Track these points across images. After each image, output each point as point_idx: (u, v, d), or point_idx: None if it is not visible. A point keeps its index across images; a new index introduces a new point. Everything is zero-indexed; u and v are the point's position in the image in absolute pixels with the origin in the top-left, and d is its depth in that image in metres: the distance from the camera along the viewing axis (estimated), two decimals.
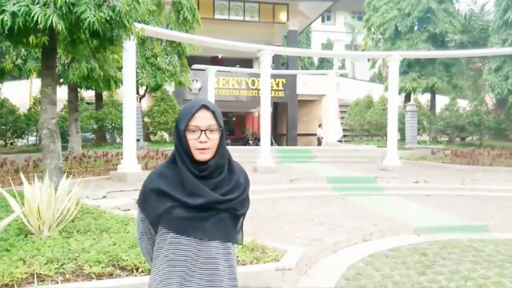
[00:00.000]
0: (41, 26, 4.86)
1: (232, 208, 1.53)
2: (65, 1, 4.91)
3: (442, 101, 20.80)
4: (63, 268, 3.42)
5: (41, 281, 3.22)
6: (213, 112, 1.52)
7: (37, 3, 4.90)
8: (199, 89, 22.51)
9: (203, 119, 1.49)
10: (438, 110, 20.33)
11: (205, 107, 1.51)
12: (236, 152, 15.49)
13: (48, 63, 6.16)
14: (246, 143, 26.88)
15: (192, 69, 17.98)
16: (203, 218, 1.48)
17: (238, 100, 24.21)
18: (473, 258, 4.98)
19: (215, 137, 1.50)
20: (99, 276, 3.35)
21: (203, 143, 1.47)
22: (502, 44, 16.18)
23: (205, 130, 1.48)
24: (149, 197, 1.51)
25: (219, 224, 1.50)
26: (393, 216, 7.13)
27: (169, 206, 1.47)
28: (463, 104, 19.74)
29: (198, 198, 1.46)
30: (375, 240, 5.80)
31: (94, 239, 4.24)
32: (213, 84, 19.09)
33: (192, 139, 1.48)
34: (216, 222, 1.50)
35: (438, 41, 19.59)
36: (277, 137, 26.89)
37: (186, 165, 1.49)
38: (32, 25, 4.92)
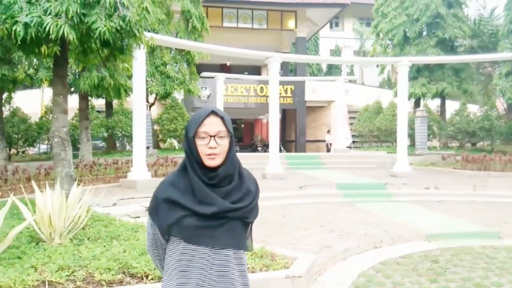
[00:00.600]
0: (52, 36, 4.95)
1: (243, 216, 1.53)
2: (77, 12, 4.99)
3: (452, 106, 20.65)
4: (74, 276, 3.45)
5: None
6: (222, 118, 1.52)
7: (49, 13, 4.98)
8: (208, 97, 22.62)
9: (212, 125, 1.50)
10: (448, 115, 20.17)
11: (214, 113, 1.52)
12: (245, 159, 15.48)
13: (59, 72, 6.25)
14: (254, 150, 26.90)
15: (201, 77, 18.11)
16: (214, 227, 1.48)
17: (247, 107, 24.27)
18: (486, 265, 4.91)
19: (224, 143, 1.50)
20: (110, 284, 3.37)
21: (213, 148, 1.48)
22: None
23: (214, 136, 1.49)
24: (160, 207, 1.51)
25: (231, 232, 1.51)
26: (404, 222, 7.06)
27: (180, 215, 1.47)
28: (473, 109, 19.56)
29: (209, 207, 1.46)
30: (385, 247, 5.75)
31: (104, 246, 4.26)
32: (221, 91, 19.17)
33: (202, 145, 1.48)
34: (227, 230, 1.50)
35: (447, 46, 19.50)
36: (286, 144, 26.88)
37: (196, 173, 1.49)
38: (44, 35, 5.01)
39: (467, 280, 4.37)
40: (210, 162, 1.49)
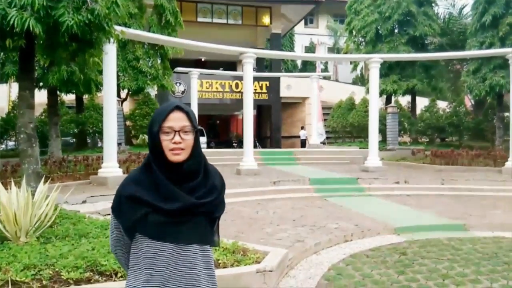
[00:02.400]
0: (17, 29, 4.79)
1: (208, 211, 1.52)
2: (43, 4, 4.84)
3: (422, 102, 21.15)
4: (40, 275, 3.37)
5: None
6: (187, 113, 1.51)
7: (14, 6, 4.82)
8: (183, 92, 22.42)
9: (177, 120, 1.48)
10: (418, 111, 20.66)
11: (179, 108, 1.51)
12: (220, 155, 15.53)
13: (25, 66, 6.07)
14: (230, 145, 26.87)
15: (175, 72, 17.91)
16: (179, 223, 1.47)
17: (222, 103, 24.19)
18: (451, 257, 5.07)
19: (189, 138, 1.49)
20: (77, 282, 3.31)
21: (177, 144, 1.46)
22: (480, 47, 16.52)
23: (179, 131, 1.47)
24: (123, 204, 1.49)
25: (196, 228, 1.50)
26: (374, 216, 7.22)
27: (144, 212, 1.45)
28: (442, 105, 20.10)
29: (174, 202, 1.45)
30: (356, 241, 5.87)
31: (72, 244, 4.18)
32: (196, 87, 19.02)
33: (166, 140, 1.47)
34: (192, 226, 1.49)
35: (418, 43, 19.92)
36: (261, 140, 26.95)
37: (161, 169, 1.48)
38: (8, 28, 4.84)
39: (433, 272, 4.51)
40: (174, 158, 1.47)
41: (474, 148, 15.18)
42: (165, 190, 1.46)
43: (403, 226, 6.54)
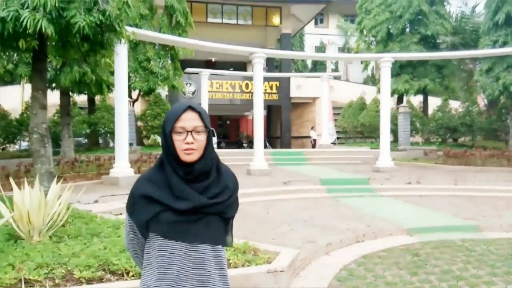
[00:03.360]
0: (30, 30, 4.84)
1: (220, 211, 1.52)
2: (55, 6, 4.90)
3: (434, 102, 20.95)
4: (53, 273, 3.39)
5: (30, 286, 3.19)
6: (199, 113, 1.51)
7: (27, 7, 4.87)
8: (193, 93, 22.50)
9: (189, 120, 1.49)
10: (430, 111, 20.46)
11: (191, 108, 1.51)
12: (230, 155, 15.54)
13: (38, 67, 6.14)
14: (240, 146, 26.89)
15: (185, 73, 17.99)
16: (191, 222, 1.47)
17: (232, 104, 24.21)
18: (465, 258, 5.00)
19: (201, 138, 1.49)
20: (89, 281, 3.32)
21: (189, 144, 1.47)
22: (493, 45, 16.33)
23: (191, 131, 1.48)
24: (137, 203, 1.51)
25: (208, 227, 1.50)
26: (386, 217, 7.14)
27: (157, 211, 1.47)
28: (455, 105, 19.89)
29: (186, 202, 1.46)
30: (367, 241, 5.80)
31: (84, 243, 4.21)
32: (206, 88, 19.07)
33: (178, 140, 1.47)
34: (205, 226, 1.49)
35: (429, 43, 19.75)
36: (271, 140, 26.92)
37: (173, 168, 1.49)
38: (21, 29, 4.90)
39: (446, 273, 4.44)
40: (187, 157, 1.48)
41: (487, 149, 14.98)
42: (177, 189, 1.47)
43: (416, 227, 6.45)
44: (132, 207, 1.53)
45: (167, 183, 1.48)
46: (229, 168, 1.64)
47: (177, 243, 1.47)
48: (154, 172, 1.54)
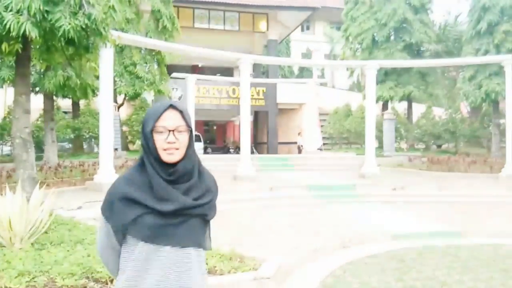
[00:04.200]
0: (14, 34, 4.76)
1: (203, 213, 1.49)
2: (39, 9, 4.82)
3: (418, 109, 21.26)
4: (35, 281, 3.31)
5: None
6: (181, 112, 1.47)
7: (10, 10, 4.79)
8: (179, 98, 22.35)
9: (171, 119, 1.44)
10: (414, 118, 20.75)
11: (173, 107, 1.47)
12: (217, 161, 15.48)
13: (21, 71, 6.03)
14: (227, 152, 26.81)
15: (171, 78, 17.90)
16: (174, 225, 1.42)
17: (219, 109, 24.14)
18: (449, 264, 5.05)
19: (183, 138, 1.45)
20: None
21: (171, 143, 1.42)
22: (475, 54, 16.65)
23: (173, 131, 1.43)
24: (115, 205, 1.43)
25: (191, 230, 1.46)
26: (372, 223, 7.19)
27: (138, 213, 1.40)
28: (439, 112, 20.21)
29: (169, 204, 1.40)
30: (354, 247, 5.83)
31: (67, 250, 4.13)
32: (193, 93, 18.99)
33: (160, 140, 1.43)
34: (188, 228, 1.45)
35: (414, 50, 20.07)
36: (258, 146, 26.91)
37: (155, 169, 1.43)
38: (4, 32, 4.81)
39: (431, 279, 4.48)
40: (168, 158, 1.43)
41: (470, 155, 15.24)
42: (160, 190, 1.41)
43: (401, 232, 6.51)
44: (110, 210, 1.45)
45: (148, 184, 1.42)
46: (209, 171, 1.59)
47: (160, 247, 1.41)
48: (133, 172, 1.48)
